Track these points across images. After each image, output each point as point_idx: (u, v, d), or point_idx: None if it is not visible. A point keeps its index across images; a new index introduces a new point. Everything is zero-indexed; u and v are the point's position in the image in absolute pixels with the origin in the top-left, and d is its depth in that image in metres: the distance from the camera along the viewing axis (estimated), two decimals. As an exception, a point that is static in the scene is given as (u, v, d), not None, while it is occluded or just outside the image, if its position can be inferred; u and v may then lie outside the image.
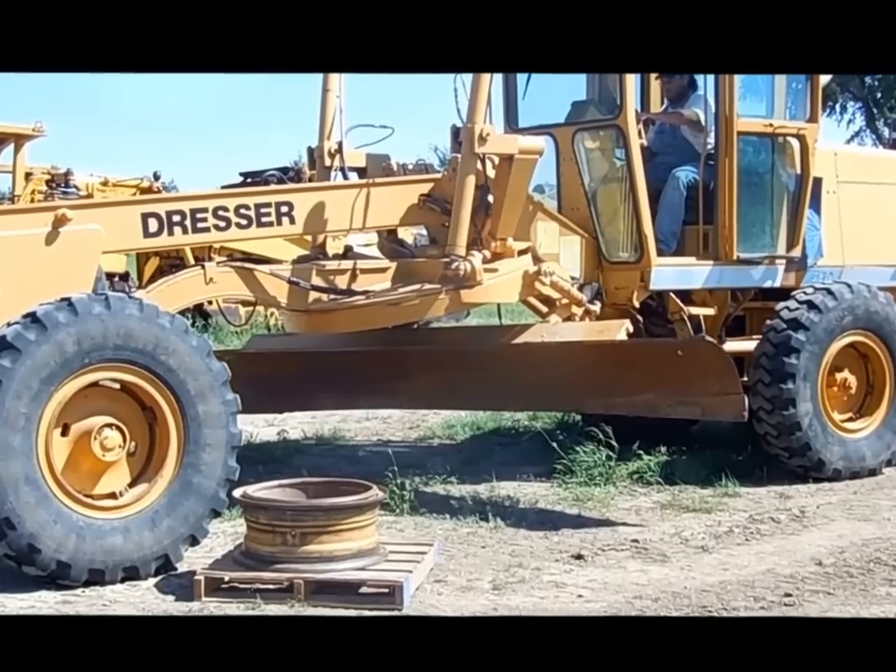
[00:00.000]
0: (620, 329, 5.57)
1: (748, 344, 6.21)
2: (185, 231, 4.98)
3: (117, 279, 12.26)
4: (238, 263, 5.33)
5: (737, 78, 6.11)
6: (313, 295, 5.34)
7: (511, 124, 6.50)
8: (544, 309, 5.91)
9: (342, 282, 5.41)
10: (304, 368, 6.26)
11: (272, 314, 12.17)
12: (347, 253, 5.81)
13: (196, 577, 4.03)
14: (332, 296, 5.38)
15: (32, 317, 4.13)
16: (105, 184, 12.86)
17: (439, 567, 4.39)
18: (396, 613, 3.85)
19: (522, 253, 5.64)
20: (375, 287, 5.41)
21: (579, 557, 4.57)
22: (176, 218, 4.95)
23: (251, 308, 8.73)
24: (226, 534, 4.86)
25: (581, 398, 5.74)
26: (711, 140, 6.26)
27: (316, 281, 5.35)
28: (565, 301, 5.78)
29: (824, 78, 6.80)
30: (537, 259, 5.77)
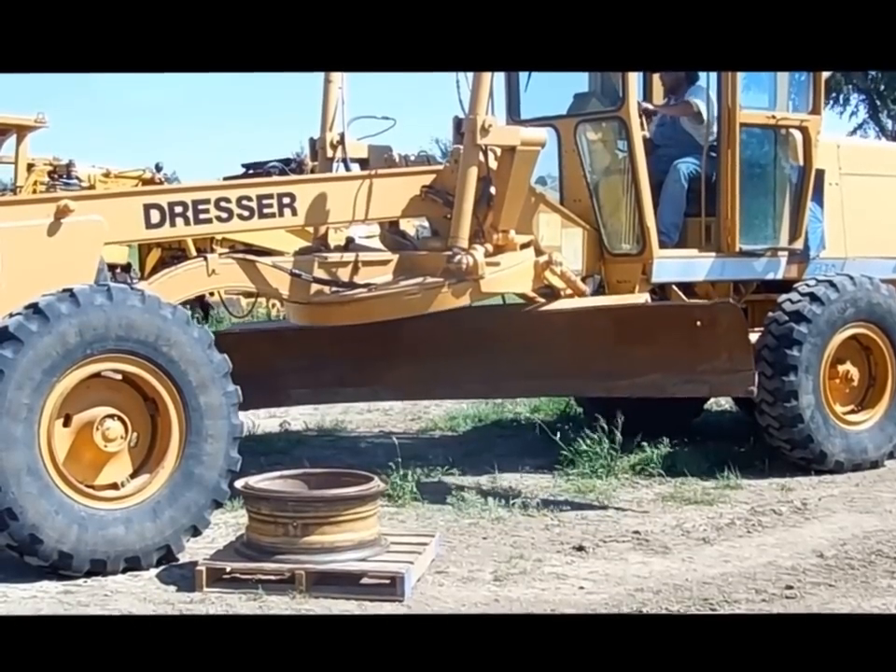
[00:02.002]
0: (641, 298, 5.70)
1: (750, 337, 6.20)
2: (187, 223, 4.98)
3: (119, 270, 12.25)
4: (240, 255, 5.31)
5: (740, 70, 6.09)
6: (315, 287, 5.33)
7: (514, 116, 6.48)
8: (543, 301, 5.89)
9: (344, 274, 5.40)
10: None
11: (273, 304, 12.17)
12: (349, 245, 5.80)
13: (198, 567, 4.03)
14: (335, 288, 5.37)
15: (34, 308, 4.13)
16: (107, 175, 12.82)
17: (440, 559, 4.39)
18: (397, 605, 3.85)
19: (524, 246, 5.63)
20: (378, 280, 5.39)
21: (580, 549, 4.57)
22: (178, 210, 4.94)
23: (253, 299, 8.75)
24: (227, 525, 4.86)
25: (582, 382, 5.74)
26: (713, 131, 6.24)
27: (319, 273, 5.33)
28: (569, 291, 5.78)
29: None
30: (539, 252, 5.76)
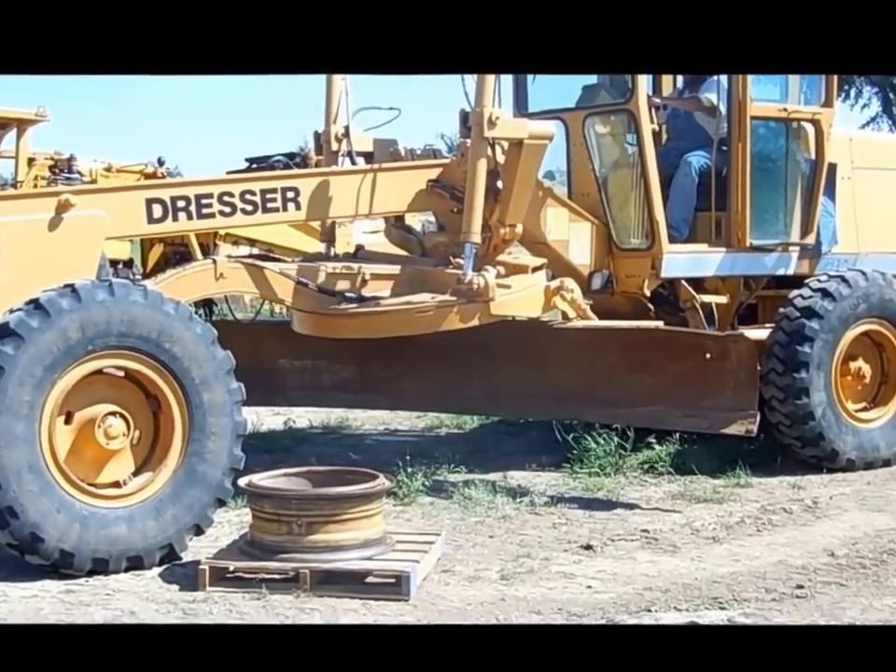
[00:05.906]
0: (653, 324, 5.67)
1: (761, 333, 6.13)
2: (190, 217, 4.93)
3: (120, 266, 12.19)
4: (249, 260, 5.26)
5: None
6: (322, 298, 5.25)
7: (521, 109, 6.42)
8: None
9: (353, 286, 5.28)
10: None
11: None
12: (358, 253, 5.73)
13: (201, 566, 3.99)
14: (343, 301, 5.26)
15: (35, 304, 4.09)
16: (108, 169, 12.74)
17: (446, 557, 4.35)
18: (402, 605, 3.81)
19: (536, 270, 5.55)
20: (386, 295, 5.26)
21: (588, 548, 4.53)
22: (181, 204, 4.89)
23: (259, 299, 8.68)
24: (231, 523, 4.82)
25: (583, 407, 5.61)
26: (725, 125, 6.17)
27: (327, 284, 5.24)
28: (576, 317, 5.68)
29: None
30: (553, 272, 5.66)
